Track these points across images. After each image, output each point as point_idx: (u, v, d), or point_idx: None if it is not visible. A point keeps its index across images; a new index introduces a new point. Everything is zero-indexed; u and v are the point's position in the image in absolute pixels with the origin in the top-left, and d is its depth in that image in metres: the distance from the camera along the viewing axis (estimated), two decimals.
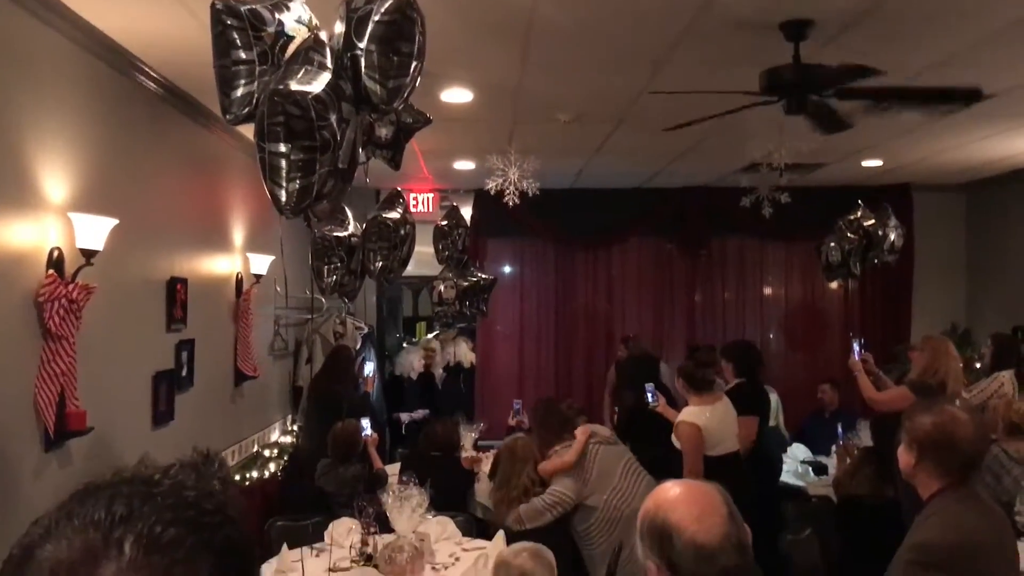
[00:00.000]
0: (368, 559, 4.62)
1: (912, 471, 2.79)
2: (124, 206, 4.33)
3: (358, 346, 8.27)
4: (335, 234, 5.24)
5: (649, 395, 6.24)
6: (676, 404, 6.36)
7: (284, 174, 2.38)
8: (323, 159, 2.35)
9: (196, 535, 0.80)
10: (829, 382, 8.47)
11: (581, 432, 5.32)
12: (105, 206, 4.09)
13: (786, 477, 6.99)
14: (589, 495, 5.24)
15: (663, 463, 5.65)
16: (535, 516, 5.06)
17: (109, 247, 4.04)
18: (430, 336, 11.61)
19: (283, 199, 2.42)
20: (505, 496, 5.33)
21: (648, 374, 6.85)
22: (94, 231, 3.91)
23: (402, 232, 5.24)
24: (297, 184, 2.40)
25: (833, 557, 5.06)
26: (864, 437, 7.39)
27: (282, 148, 2.34)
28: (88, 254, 3.93)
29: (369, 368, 8.33)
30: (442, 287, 7.40)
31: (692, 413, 5.42)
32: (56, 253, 3.81)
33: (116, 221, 4.04)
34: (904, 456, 2.81)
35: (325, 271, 5.27)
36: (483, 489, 6.42)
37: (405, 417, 8.96)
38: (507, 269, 10.03)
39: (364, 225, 5.35)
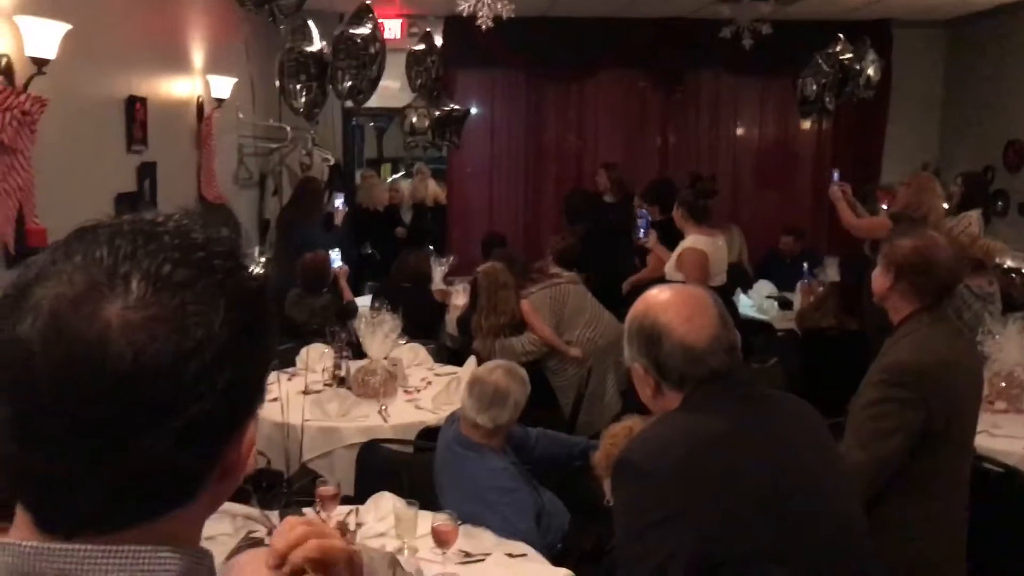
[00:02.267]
0: (341, 382, 4.67)
1: (886, 293, 2.80)
2: (76, 11, 4.07)
3: (325, 178, 8.13)
4: (305, 48, 5.01)
5: (641, 227, 6.14)
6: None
7: None
8: None
9: (208, 277, 0.75)
10: (792, 233, 8.47)
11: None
12: (55, 10, 3.84)
13: (751, 311, 7.11)
14: (562, 333, 5.33)
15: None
16: (512, 356, 5.13)
17: (62, 56, 3.83)
18: (396, 176, 11.46)
19: None
20: (494, 323, 5.36)
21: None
22: (45, 37, 3.69)
23: (371, 50, 5.03)
24: None
25: (797, 384, 5.20)
26: (831, 273, 7.51)
27: None
28: (39, 63, 3.72)
29: (338, 201, 8.22)
30: (414, 116, 7.23)
31: (699, 242, 5.41)
32: (4, 61, 3.60)
33: (68, 27, 3.81)
34: (880, 279, 2.82)
35: (295, 90, 5.08)
36: (453, 320, 6.49)
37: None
38: (478, 104, 9.78)
39: (332, 43, 5.12)
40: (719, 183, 9.21)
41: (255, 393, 0.80)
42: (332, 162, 8.54)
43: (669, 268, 5.44)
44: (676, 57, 9.46)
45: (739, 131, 10.11)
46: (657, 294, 1.96)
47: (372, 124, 12.14)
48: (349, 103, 6.18)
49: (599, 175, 8.28)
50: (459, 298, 6.93)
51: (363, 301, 6.46)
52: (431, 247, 8.34)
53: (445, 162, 10.08)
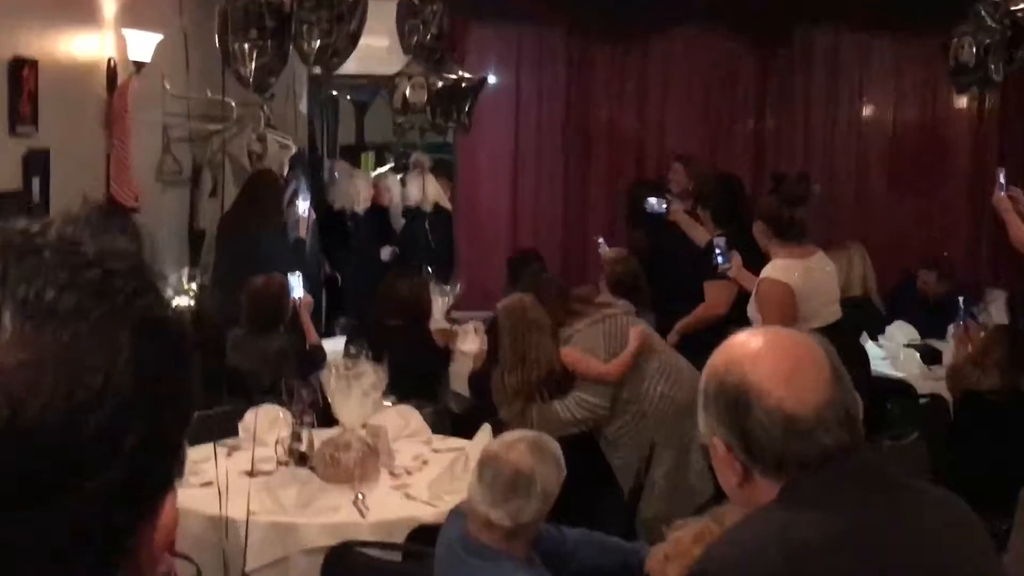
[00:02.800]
0: (301, 459, 4.68)
1: None
2: None
3: (284, 172, 8.19)
4: None
5: (718, 253, 6.19)
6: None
7: None
8: None
9: (105, 303, 0.75)
10: (935, 267, 8.37)
11: (636, 336, 5.39)
12: None
13: (882, 366, 7.07)
14: (623, 387, 5.34)
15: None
16: (556, 427, 5.08)
17: None
18: (383, 170, 11.53)
19: None
20: (525, 380, 5.34)
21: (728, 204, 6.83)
22: None
23: None
24: None
25: (947, 470, 5.16)
26: (995, 314, 7.46)
27: None
28: None
29: (302, 205, 8.27)
30: (407, 88, 7.28)
31: (780, 269, 5.40)
32: None
33: None
34: None
35: (244, 51, 5.14)
36: (460, 372, 6.47)
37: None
38: (497, 72, 9.85)
39: None
40: (839, 183, 9.25)
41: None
42: (293, 150, 8.60)
43: (751, 306, 5.46)
44: (778, 7, 9.50)
45: (866, 112, 10.13)
46: (745, 342, 1.97)
47: (349, 98, 12.24)
48: (318, 69, 6.23)
49: (673, 171, 8.30)
50: (468, 342, 6.91)
51: (334, 345, 6.46)
52: (429, 269, 8.36)
53: (451, 151, 10.15)
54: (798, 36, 9.79)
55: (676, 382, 5.36)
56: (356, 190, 9.47)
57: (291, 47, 5.77)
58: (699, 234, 6.82)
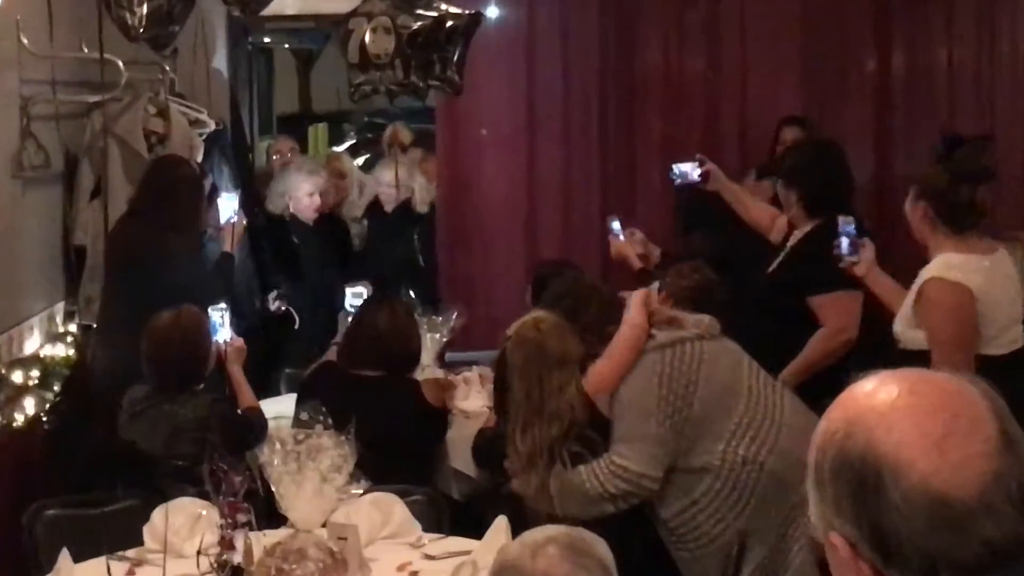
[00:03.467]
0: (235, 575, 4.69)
1: None
2: None
3: (198, 158, 8.20)
4: None
5: (844, 241, 6.16)
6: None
7: None
8: None
9: None
10: None
11: (637, 303, 5.37)
12: None
13: None
14: (688, 449, 5.28)
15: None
16: (583, 504, 5.12)
17: None
18: (340, 149, 11.57)
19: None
20: (540, 439, 5.35)
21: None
22: None
23: None
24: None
25: None
26: None
27: None
28: None
29: (228, 206, 8.24)
30: (367, 32, 7.27)
31: (956, 266, 5.42)
32: None
33: None
34: None
35: None
36: (462, 441, 6.48)
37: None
38: (499, 3, 9.91)
39: None
40: (1000, 150, 9.23)
41: None
42: (210, 126, 8.63)
43: (903, 319, 5.46)
44: None
45: None
46: (872, 392, 1.93)
47: (288, 47, 12.32)
48: (237, 12, 6.19)
49: (786, 136, 8.39)
50: (471, 397, 6.96)
51: (278, 407, 6.49)
52: (412, 294, 8.34)
53: (430, 119, 10.21)
54: None
55: (766, 437, 5.31)
56: (296, 184, 9.30)
57: None
58: (756, 212, 7.00)
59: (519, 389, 5.42)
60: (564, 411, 5.33)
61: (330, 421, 4.91)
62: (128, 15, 5.30)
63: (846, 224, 6.20)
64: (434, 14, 7.45)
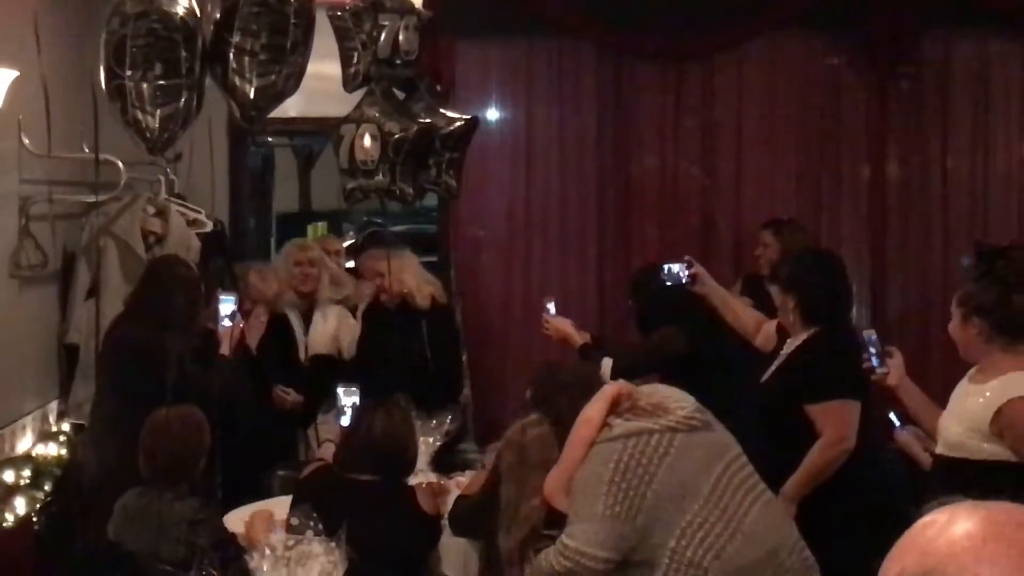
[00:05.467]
0: None
1: None
2: None
3: (197, 258, 8.19)
4: (163, 7, 5.12)
5: (870, 342, 6.17)
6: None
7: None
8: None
9: None
10: None
11: (601, 397, 5.27)
12: None
13: None
14: (640, 539, 5.20)
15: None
16: None
17: None
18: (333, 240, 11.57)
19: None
20: (516, 542, 5.44)
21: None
22: None
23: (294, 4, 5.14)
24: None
25: None
26: None
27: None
28: None
29: (226, 307, 8.16)
30: (361, 136, 7.24)
31: None
32: None
33: None
34: None
35: (145, 94, 5.17)
36: (454, 549, 6.43)
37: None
38: (499, 105, 9.95)
39: None
40: None
41: None
42: (209, 226, 8.63)
43: (977, 433, 5.34)
44: (900, 7, 9.58)
45: None
46: (948, 525, 1.69)
47: (292, 144, 12.37)
48: (243, 124, 6.18)
49: (763, 240, 8.39)
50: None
51: (268, 508, 6.44)
52: (409, 395, 8.28)
53: (432, 220, 10.23)
54: (928, 51, 9.91)
55: (716, 543, 5.10)
56: (267, 284, 9.05)
57: (204, 84, 5.81)
58: (745, 317, 7.06)
59: (504, 490, 5.55)
60: (531, 514, 5.40)
61: (321, 527, 4.90)
62: (142, 118, 5.28)
63: (870, 336, 6.23)
64: (427, 120, 7.39)
